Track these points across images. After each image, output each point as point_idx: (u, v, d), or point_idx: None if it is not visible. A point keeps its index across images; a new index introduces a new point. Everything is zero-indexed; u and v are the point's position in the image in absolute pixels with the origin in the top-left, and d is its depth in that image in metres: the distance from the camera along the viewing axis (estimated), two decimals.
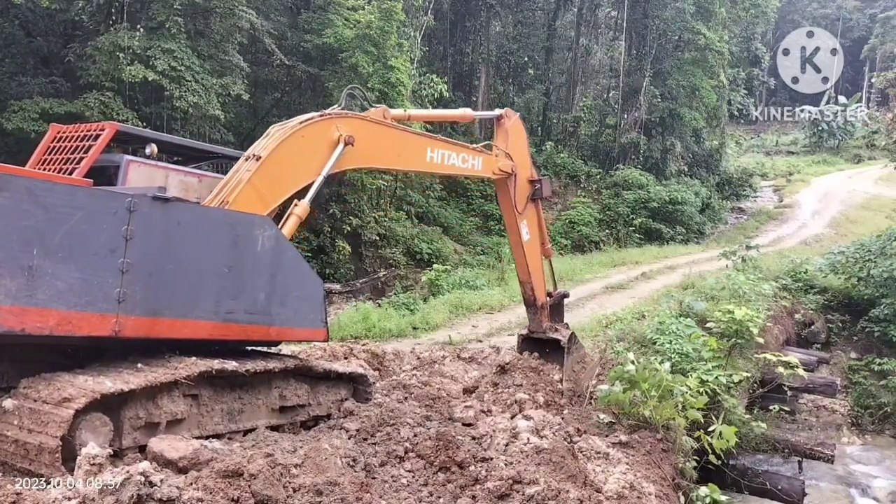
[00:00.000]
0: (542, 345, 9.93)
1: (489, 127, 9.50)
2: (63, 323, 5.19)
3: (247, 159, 6.81)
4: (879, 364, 16.80)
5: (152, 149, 7.21)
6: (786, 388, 12.63)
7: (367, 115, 7.91)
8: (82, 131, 7.19)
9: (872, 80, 55.53)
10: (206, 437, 5.96)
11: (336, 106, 7.83)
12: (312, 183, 7.14)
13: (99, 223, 5.40)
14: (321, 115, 7.35)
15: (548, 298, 9.98)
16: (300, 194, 7.14)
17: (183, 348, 6.14)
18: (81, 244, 5.30)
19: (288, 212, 7.07)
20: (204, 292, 6.10)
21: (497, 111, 9.94)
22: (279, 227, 6.84)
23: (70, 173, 6.70)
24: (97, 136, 6.99)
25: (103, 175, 6.78)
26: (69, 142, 7.14)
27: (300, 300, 6.77)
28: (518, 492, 5.52)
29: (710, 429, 8.72)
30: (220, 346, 6.46)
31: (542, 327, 9.87)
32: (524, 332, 10.17)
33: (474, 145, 9.34)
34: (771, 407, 12.87)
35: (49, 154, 7.23)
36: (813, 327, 18.55)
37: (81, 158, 6.89)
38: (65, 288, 5.20)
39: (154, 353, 5.98)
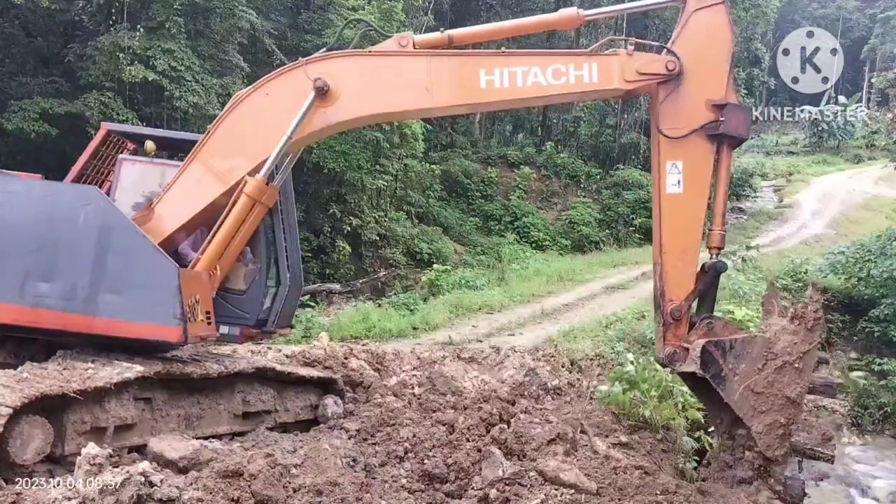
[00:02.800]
0: (694, 382, 6.52)
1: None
2: None
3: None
4: (879, 364, 16.78)
5: (149, 146, 6.83)
6: None
7: (369, 49, 6.24)
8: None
9: (872, 80, 55.41)
10: None
11: (327, 49, 6.26)
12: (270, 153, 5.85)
13: None
14: (293, 64, 6.08)
15: (685, 302, 6.27)
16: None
17: None
18: None
19: (237, 191, 5.90)
20: (5, 271, 5.43)
21: None
22: (227, 209, 5.88)
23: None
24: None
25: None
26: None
27: (141, 289, 5.62)
28: None
29: (711, 429, 8.71)
30: (40, 336, 5.74)
31: (663, 353, 6.32)
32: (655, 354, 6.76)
33: (582, 51, 6.37)
34: None
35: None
36: None
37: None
38: None
39: None
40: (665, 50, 6.25)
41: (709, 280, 6.37)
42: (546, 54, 6.31)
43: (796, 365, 5.94)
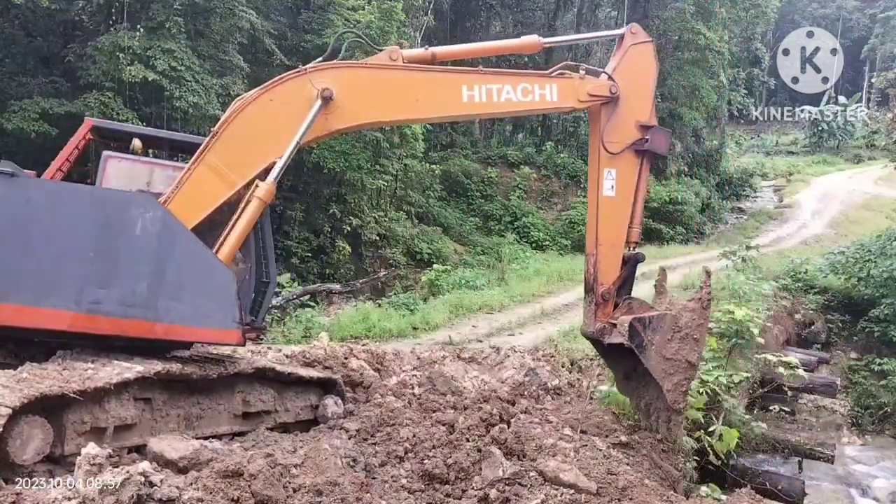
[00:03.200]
0: (616, 353, 7.60)
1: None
2: None
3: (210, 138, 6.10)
4: (879, 364, 16.79)
5: (136, 144, 6.77)
6: (786, 389, 12.62)
7: (362, 62, 6.77)
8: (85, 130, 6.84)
9: (872, 80, 55.48)
10: None
11: (322, 58, 6.63)
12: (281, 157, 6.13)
13: None
14: (296, 71, 6.36)
15: (613, 286, 7.42)
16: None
17: (41, 340, 5.65)
18: None
19: (248, 195, 6.12)
20: (62, 278, 5.46)
21: (622, 29, 7.73)
22: (238, 213, 6.03)
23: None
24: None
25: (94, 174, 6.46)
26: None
27: (201, 295, 5.83)
28: None
29: (711, 429, 8.72)
30: (96, 342, 5.78)
31: (594, 328, 7.44)
32: (581, 330, 7.82)
33: (549, 72, 7.33)
34: (771, 407, 12.86)
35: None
36: (813, 327, 18.55)
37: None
38: None
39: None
40: (608, 76, 7.38)
41: (630, 268, 7.60)
42: (517, 74, 7.19)
43: (694, 336, 7.24)
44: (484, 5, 38.52)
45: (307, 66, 6.42)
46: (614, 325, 7.30)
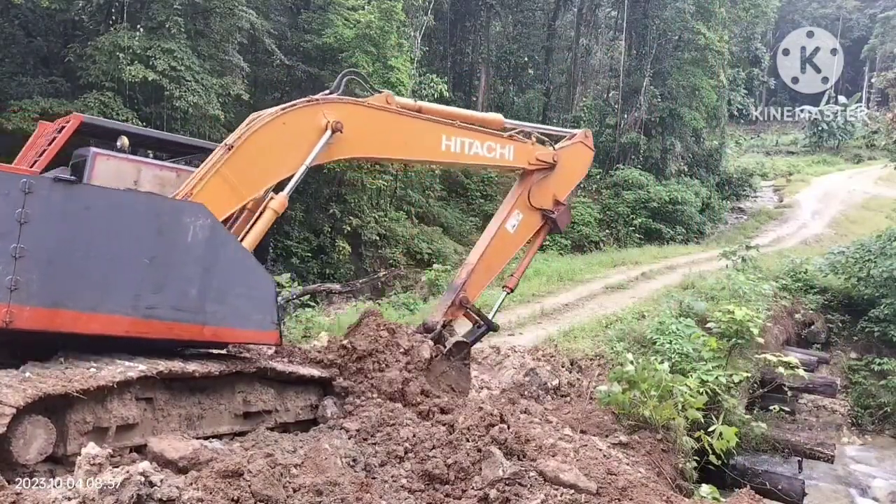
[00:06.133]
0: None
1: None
2: None
3: (221, 149, 6.41)
4: (879, 364, 16.80)
5: (123, 142, 6.81)
6: (786, 388, 12.64)
7: (365, 101, 7.29)
8: (59, 125, 6.89)
9: (872, 80, 55.52)
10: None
11: (326, 91, 7.25)
12: (294, 175, 6.64)
13: None
14: (308, 101, 6.87)
15: (470, 300, 8.31)
16: (279, 187, 6.63)
17: (99, 345, 5.68)
18: None
19: (262, 206, 6.57)
20: (119, 284, 5.56)
21: (576, 131, 9.31)
22: (253, 221, 6.42)
23: (33, 167, 6.44)
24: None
25: (76, 171, 6.50)
26: (45, 136, 6.89)
27: (243, 298, 6.12)
28: None
29: (711, 429, 8.72)
30: (148, 345, 5.93)
31: (435, 320, 8.19)
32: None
33: (506, 133, 8.35)
34: (771, 407, 12.88)
35: (29, 150, 6.99)
36: (813, 327, 18.56)
37: (44, 151, 6.60)
38: None
39: (54, 349, 5.57)
40: (552, 147, 8.64)
41: (481, 333, 8.52)
42: (485, 133, 8.06)
43: (460, 381, 8.05)
44: (484, 5, 38.53)
45: (317, 96, 7.03)
46: (447, 326, 8.16)
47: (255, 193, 6.49)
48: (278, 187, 6.70)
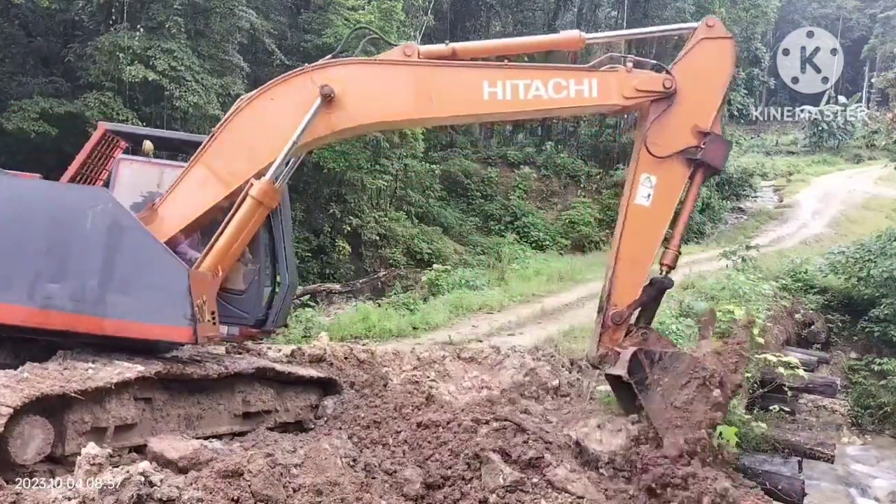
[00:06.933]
0: (615, 383, 6.72)
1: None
2: None
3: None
4: (879, 364, 16.78)
5: (147, 146, 6.81)
6: (786, 388, 12.62)
7: (375, 58, 6.39)
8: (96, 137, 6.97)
9: (872, 80, 55.49)
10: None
11: (332, 55, 6.33)
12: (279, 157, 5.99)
13: None
14: (300, 70, 6.14)
15: (627, 310, 6.55)
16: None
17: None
18: None
19: (242, 193, 6.00)
20: (15, 273, 5.43)
21: (696, 24, 6.79)
22: (233, 210, 5.97)
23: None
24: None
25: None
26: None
27: (151, 289, 5.69)
28: None
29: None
30: (48, 338, 5.70)
31: (596, 354, 6.64)
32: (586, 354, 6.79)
33: (583, 66, 6.48)
34: (771, 407, 12.85)
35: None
36: (813, 327, 18.54)
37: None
38: None
39: None
40: (664, 70, 6.46)
41: (653, 293, 6.59)
42: (548, 68, 6.35)
43: (720, 388, 5.96)
44: (484, 5, 38.54)
45: (319, 62, 6.20)
46: (618, 354, 6.34)
47: (243, 180, 5.96)
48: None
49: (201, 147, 6.19)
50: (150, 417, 5.63)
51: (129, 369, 5.41)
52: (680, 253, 6.73)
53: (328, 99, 5.92)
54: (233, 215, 6.02)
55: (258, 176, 6.05)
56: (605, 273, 6.78)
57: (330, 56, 6.33)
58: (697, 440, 5.70)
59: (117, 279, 5.61)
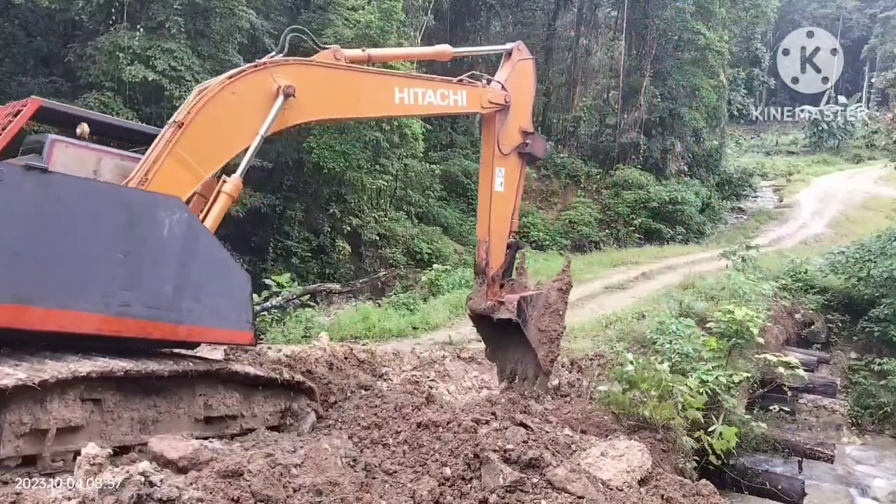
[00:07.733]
0: (494, 326, 8.46)
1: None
2: None
3: (170, 128, 6.04)
4: (879, 364, 16.79)
5: (83, 129, 6.43)
6: (786, 388, 12.62)
7: (313, 60, 7.02)
8: (14, 108, 6.45)
9: (872, 80, 55.56)
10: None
11: (274, 54, 6.93)
12: (247, 150, 6.28)
13: None
14: (254, 66, 6.55)
15: (500, 269, 8.49)
16: (234, 166, 6.25)
17: (70, 343, 5.33)
18: None
19: (216, 190, 6.20)
20: (91, 280, 5.26)
21: (509, 45, 8.69)
22: (208, 206, 6.06)
23: None
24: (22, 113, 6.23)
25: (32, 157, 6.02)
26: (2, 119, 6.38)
27: (219, 296, 5.83)
28: None
29: (711, 429, 8.72)
30: (121, 345, 5.58)
31: (485, 305, 8.34)
32: (469, 307, 8.61)
33: (456, 79, 8.12)
34: (771, 407, 12.87)
35: None
36: (813, 327, 18.55)
37: None
38: None
39: (30, 347, 5.25)
40: (501, 86, 8.24)
41: (512, 254, 8.67)
42: (436, 80, 7.90)
43: (559, 311, 8.49)
44: (484, 5, 38.56)
45: (264, 59, 6.72)
46: (501, 303, 8.24)
47: (212, 171, 6.14)
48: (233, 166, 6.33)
49: (161, 136, 6.09)
50: (100, 420, 5.21)
51: (72, 367, 4.98)
52: (519, 219, 8.84)
53: (288, 97, 6.45)
54: (209, 211, 6.16)
55: (225, 170, 6.30)
56: (479, 245, 8.50)
57: (274, 54, 6.93)
58: (555, 347, 8.50)
59: (191, 285, 5.70)
